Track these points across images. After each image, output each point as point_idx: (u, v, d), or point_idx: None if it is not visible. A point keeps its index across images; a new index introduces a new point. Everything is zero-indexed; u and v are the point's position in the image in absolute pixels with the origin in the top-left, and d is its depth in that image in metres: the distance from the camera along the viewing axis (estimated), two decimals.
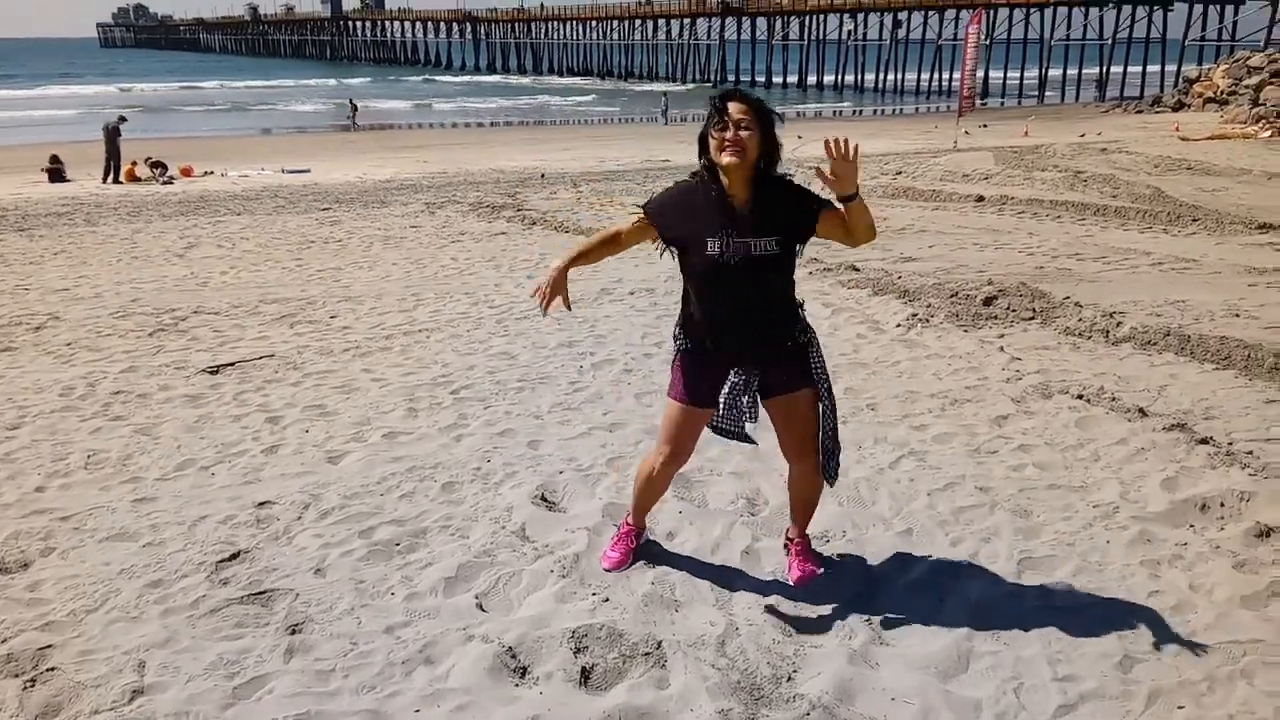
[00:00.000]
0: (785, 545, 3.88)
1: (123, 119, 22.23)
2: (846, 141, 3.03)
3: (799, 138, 21.44)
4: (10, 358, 7.07)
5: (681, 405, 3.50)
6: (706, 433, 3.67)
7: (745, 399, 3.45)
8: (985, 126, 32.29)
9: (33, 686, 3.13)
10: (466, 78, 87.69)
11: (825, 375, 3.49)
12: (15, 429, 5.56)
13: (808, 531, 3.85)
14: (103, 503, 4.54)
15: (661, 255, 3.43)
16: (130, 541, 4.14)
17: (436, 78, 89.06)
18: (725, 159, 3.12)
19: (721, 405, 3.48)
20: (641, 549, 3.93)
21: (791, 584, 3.71)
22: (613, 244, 3.47)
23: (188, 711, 2.99)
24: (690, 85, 77.13)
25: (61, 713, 3.02)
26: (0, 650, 3.33)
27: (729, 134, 3.11)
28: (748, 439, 3.65)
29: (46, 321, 8.12)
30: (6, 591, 3.74)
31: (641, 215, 3.39)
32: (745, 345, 3.37)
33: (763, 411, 3.54)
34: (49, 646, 3.35)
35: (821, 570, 3.76)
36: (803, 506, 3.76)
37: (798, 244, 3.27)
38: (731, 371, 3.43)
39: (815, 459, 3.55)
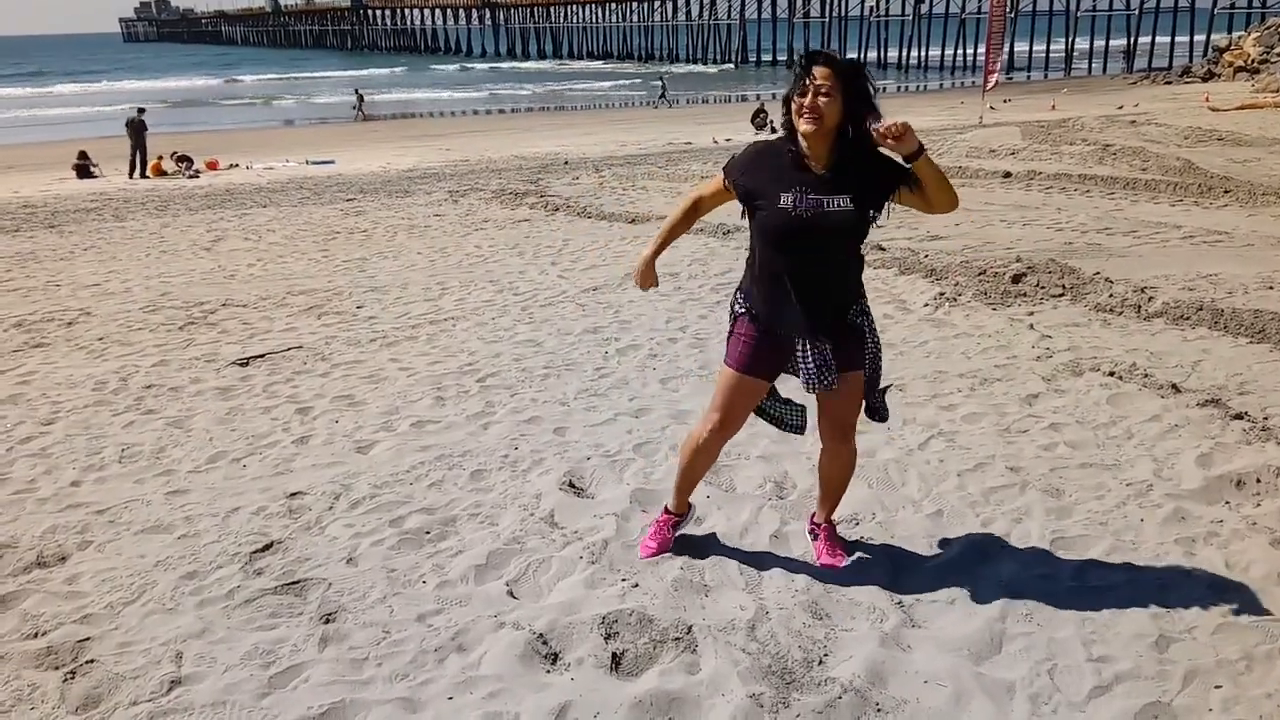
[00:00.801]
0: (811, 531, 3.86)
1: (141, 110, 22.35)
2: (892, 125, 3.03)
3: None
4: (43, 353, 7.16)
5: (736, 374, 3.44)
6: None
7: (826, 371, 3.34)
8: (1008, 101, 31.92)
9: (73, 678, 3.18)
10: (489, 65, 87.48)
11: (877, 345, 3.49)
12: (50, 424, 5.64)
13: (835, 517, 3.84)
14: (137, 496, 4.60)
15: (744, 215, 3.38)
16: (165, 534, 4.19)
17: (468, 65, 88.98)
18: (803, 126, 3.12)
19: (803, 374, 3.38)
20: (679, 539, 3.86)
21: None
22: (694, 212, 3.51)
23: (225, 701, 3.03)
24: (714, 69, 76.58)
25: (101, 704, 3.06)
26: (40, 643, 3.38)
27: (807, 100, 3.09)
28: (799, 429, 3.71)
29: (78, 317, 8.22)
30: (45, 585, 3.79)
31: (721, 176, 3.40)
32: (809, 314, 3.30)
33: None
34: (88, 639, 3.40)
35: (846, 561, 3.73)
36: (833, 489, 3.73)
37: (873, 209, 3.22)
38: (798, 345, 3.35)
39: (851, 442, 3.57)
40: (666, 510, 3.86)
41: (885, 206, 3.24)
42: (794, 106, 3.13)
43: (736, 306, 3.50)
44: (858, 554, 3.79)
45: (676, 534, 3.85)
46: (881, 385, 3.58)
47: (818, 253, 3.23)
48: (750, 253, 3.44)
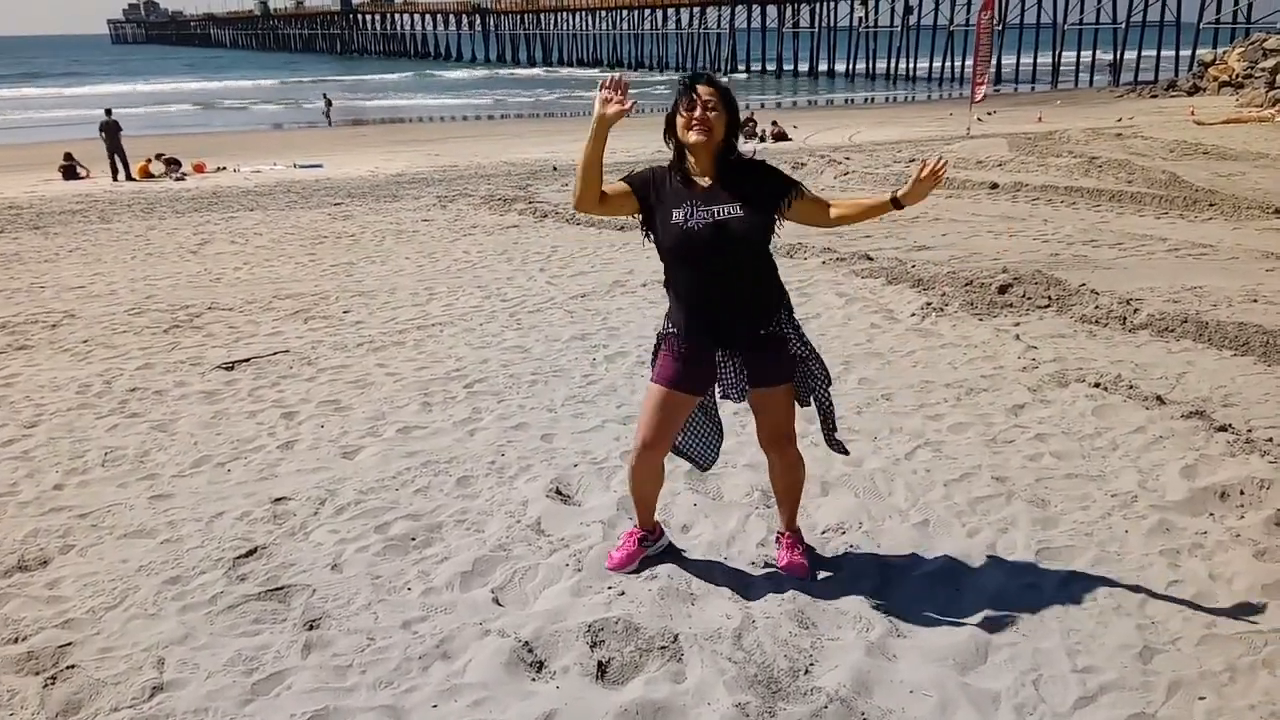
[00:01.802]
0: (776, 539, 3.87)
1: (109, 111, 22.09)
2: (944, 166, 3.22)
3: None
4: (27, 356, 7.11)
5: (658, 387, 3.48)
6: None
7: (734, 389, 3.44)
8: (993, 113, 32.09)
9: (53, 684, 3.15)
10: (484, 71, 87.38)
11: (813, 354, 3.51)
12: (33, 427, 5.60)
13: (820, 525, 3.84)
14: (120, 500, 4.57)
15: (645, 237, 3.41)
16: (148, 538, 4.16)
17: (459, 71, 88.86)
18: (693, 137, 3.23)
19: (720, 387, 3.48)
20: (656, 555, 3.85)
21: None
22: (599, 186, 3.31)
23: (207, 708, 3.00)
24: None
25: (82, 710, 3.03)
26: (21, 648, 3.35)
27: (697, 113, 3.21)
28: (704, 464, 3.81)
29: (62, 319, 8.16)
30: (26, 589, 3.76)
31: (625, 185, 3.38)
32: (720, 326, 3.37)
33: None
34: (69, 644, 3.37)
35: (807, 566, 3.73)
36: (784, 498, 3.77)
37: (766, 217, 3.31)
38: (719, 361, 3.41)
39: (792, 450, 3.61)
40: (634, 525, 3.87)
41: (778, 216, 3.33)
42: (681, 122, 3.25)
43: (660, 329, 3.54)
44: (845, 562, 3.80)
45: (646, 552, 3.81)
46: (831, 426, 3.66)
47: (719, 264, 3.30)
48: (664, 274, 3.48)
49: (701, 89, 3.22)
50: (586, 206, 3.32)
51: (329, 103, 41.41)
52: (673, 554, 3.86)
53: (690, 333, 3.41)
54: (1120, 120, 25.62)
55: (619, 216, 3.45)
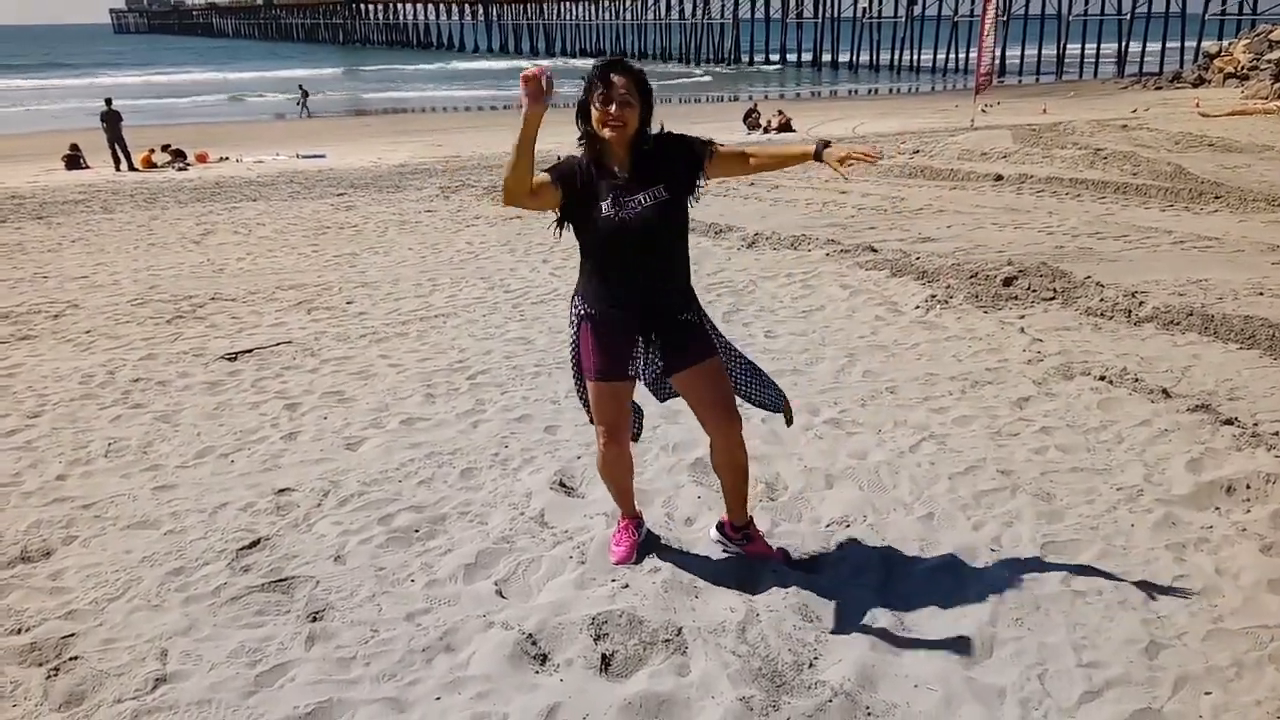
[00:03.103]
0: (719, 526, 3.84)
1: (109, 100, 22.03)
2: (877, 159, 3.26)
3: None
4: (30, 346, 7.10)
5: (595, 383, 3.46)
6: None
7: (645, 369, 3.48)
8: (998, 104, 31.98)
9: (56, 675, 3.15)
10: (486, 63, 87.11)
11: (719, 335, 3.57)
12: (36, 417, 5.59)
13: (824, 518, 3.82)
14: (124, 490, 4.56)
15: (559, 233, 3.38)
16: (151, 529, 4.16)
17: (461, 61, 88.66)
18: (607, 133, 3.21)
19: (645, 374, 3.50)
20: (651, 541, 3.86)
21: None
22: (530, 179, 3.20)
23: (210, 700, 3.00)
24: (703, 70, 76.53)
25: (85, 701, 3.03)
26: (24, 639, 3.35)
27: (612, 109, 3.17)
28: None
29: (65, 309, 8.16)
30: (29, 580, 3.76)
31: (548, 176, 3.28)
32: (645, 310, 3.38)
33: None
34: (72, 635, 3.36)
35: (772, 549, 3.76)
36: (734, 482, 3.66)
37: (688, 189, 3.35)
38: (638, 342, 3.42)
39: (737, 426, 3.54)
40: (622, 516, 3.85)
41: (695, 185, 3.37)
42: (595, 116, 3.21)
43: (575, 310, 3.48)
44: (849, 555, 3.78)
45: (642, 533, 3.83)
46: (760, 389, 3.68)
47: (648, 249, 3.32)
48: (582, 260, 3.45)
49: (615, 78, 3.17)
50: (518, 200, 3.23)
51: (305, 94, 40.78)
52: (676, 547, 3.85)
53: (612, 318, 3.38)
54: (1135, 112, 25.53)
55: (544, 210, 3.32)
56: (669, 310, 3.42)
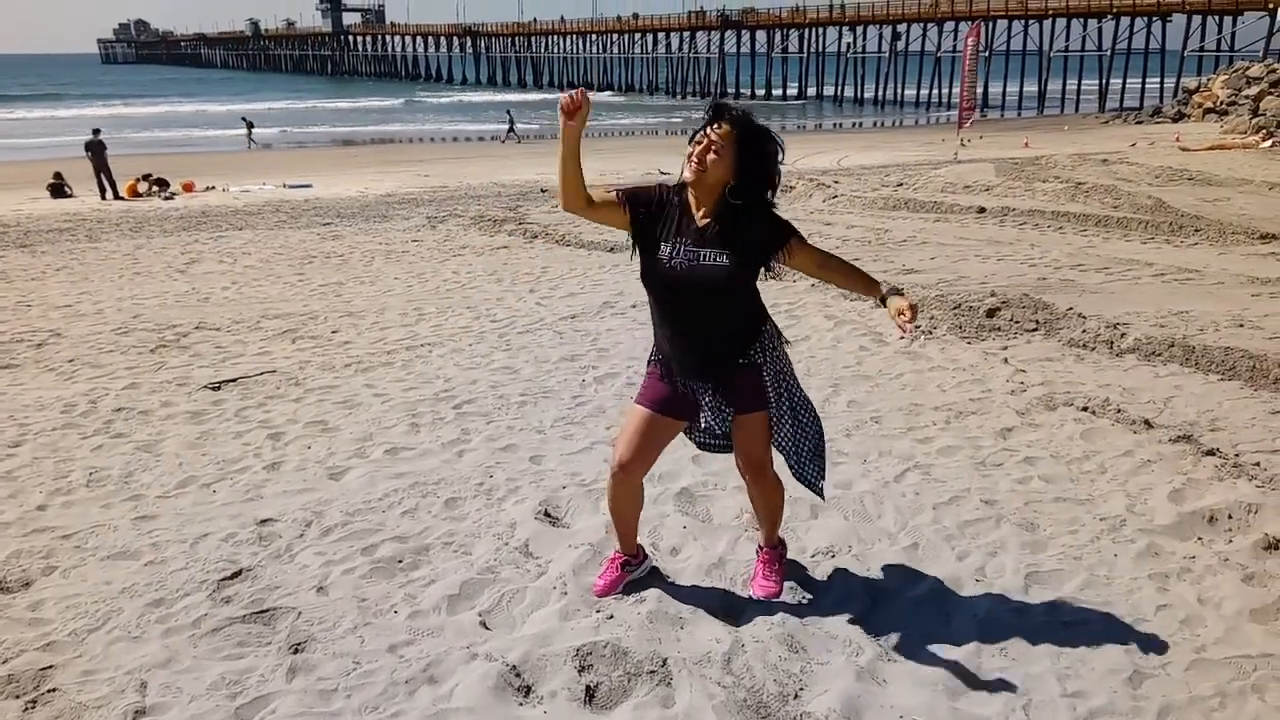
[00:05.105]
0: (756, 551, 3.86)
1: (97, 131, 22.03)
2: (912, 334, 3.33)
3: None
4: (12, 375, 7.06)
5: (637, 407, 3.47)
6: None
7: (714, 417, 3.42)
8: (981, 137, 32.32)
9: (34, 707, 3.11)
10: (478, 95, 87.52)
11: (790, 390, 3.43)
12: (17, 446, 5.55)
13: (809, 548, 3.82)
14: (104, 521, 4.52)
15: (632, 256, 3.35)
16: (132, 560, 4.12)
17: (450, 93, 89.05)
18: (686, 173, 3.18)
19: (702, 422, 3.47)
20: (642, 579, 3.82)
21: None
22: (577, 185, 3.25)
23: None
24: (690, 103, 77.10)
25: None
26: (1, 671, 3.31)
27: (696, 151, 3.14)
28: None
29: (48, 338, 8.11)
30: (8, 611, 3.71)
31: (618, 194, 3.32)
32: (693, 365, 3.34)
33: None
34: (50, 667, 3.32)
35: (776, 591, 3.70)
36: (763, 518, 3.72)
37: (753, 269, 3.24)
38: (697, 391, 3.39)
39: (766, 476, 3.53)
40: (617, 550, 3.83)
41: (771, 265, 3.25)
42: (688, 151, 3.17)
43: (650, 351, 3.53)
44: (834, 586, 3.78)
45: (630, 576, 3.78)
46: (809, 461, 3.54)
47: (692, 306, 3.26)
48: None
49: (717, 128, 3.11)
50: (572, 206, 3.27)
51: (250, 125, 40.76)
52: (661, 577, 3.84)
53: (667, 363, 3.41)
54: (1134, 145, 25.82)
55: (610, 227, 3.37)
56: (713, 362, 3.33)
